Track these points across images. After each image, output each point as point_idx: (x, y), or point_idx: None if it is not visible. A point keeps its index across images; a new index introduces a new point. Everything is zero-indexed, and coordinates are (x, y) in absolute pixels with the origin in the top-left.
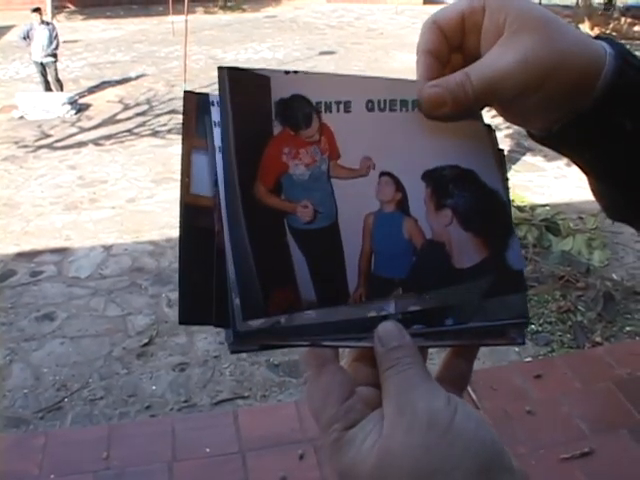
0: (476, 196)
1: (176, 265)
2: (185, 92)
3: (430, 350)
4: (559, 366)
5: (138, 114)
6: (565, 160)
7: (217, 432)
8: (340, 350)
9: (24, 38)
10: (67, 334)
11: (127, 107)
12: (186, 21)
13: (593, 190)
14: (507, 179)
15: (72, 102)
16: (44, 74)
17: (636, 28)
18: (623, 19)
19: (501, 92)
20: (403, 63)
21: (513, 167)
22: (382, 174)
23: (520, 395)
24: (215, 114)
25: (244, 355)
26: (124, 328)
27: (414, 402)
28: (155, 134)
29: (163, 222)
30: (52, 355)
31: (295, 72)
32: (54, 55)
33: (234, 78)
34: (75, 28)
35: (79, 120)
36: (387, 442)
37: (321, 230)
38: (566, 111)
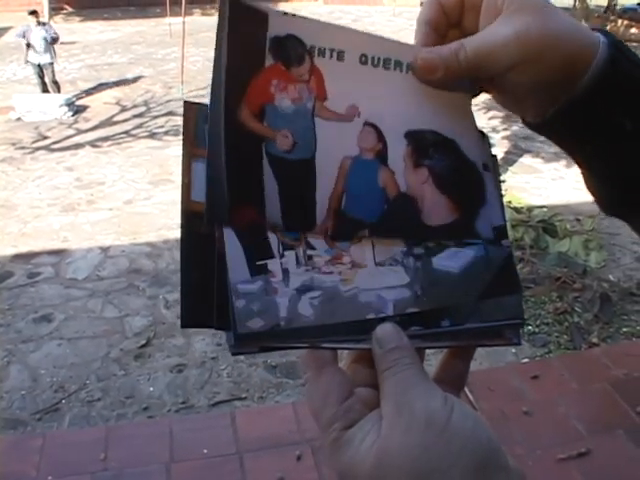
0: (454, 164)
1: (173, 266)
2: (185, 102)
3: (427, 351)
4: (556, 367)
5: (135, 116)
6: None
7: (214, 433)
8: (339, 352)
9: (23, 36)
10: (64, 335)
11: (124, 109)
12: (183, 23)
13: (587, 183)
14: (501, 181)
15: (69, 104)
16: (41, 76)
17: (633, 30)
18: (620, 21)
19: (493, 64)
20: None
21: (510, 169)
22: (366, 124)
23: (517, 396)
24: None
25: (241, 357)
26: (121, 329)
27: (412, 402)
28: (152, 136)
29: (160, 223)
30: (49, 357)
31: (293, 15)
32: (54, 46)
33: (234, 12)
34: (72, 30)
35: (76, 122)
36: (385, 442)
37: (297, 161)
38: (558, 96)
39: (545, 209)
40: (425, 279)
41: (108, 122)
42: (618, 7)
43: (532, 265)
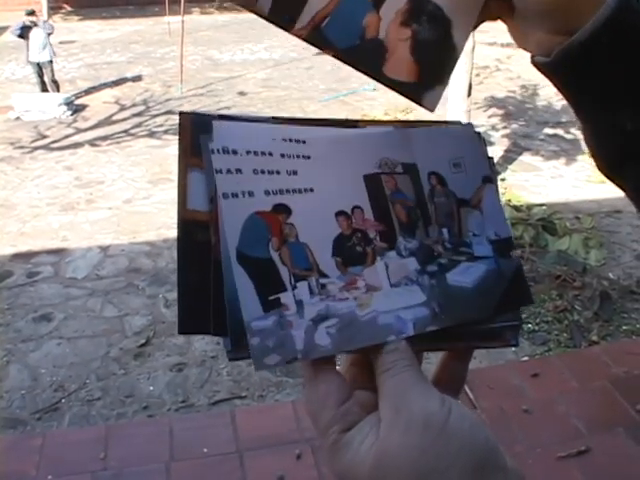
0: (438, 40)
1: (173, 266)
2: (180, 113)
3: (425, 353)
4: (556, 365)
5: (134, 115)
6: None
7: (214, 432)
8: (337, 355)
9: (20, 35)
10: (64, 335)
11: (123, 108)
12: (182, 22)
13: (587, 140)
14: (497, 175)
15: (68, 103)
16: (40, 75)
17: None
18: None
19: None
20: None
21: (510, 167)
22: None
23: (517, 394)
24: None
25: None
26: (121, 329)
27: (410, 404)
28: (151, 135)
29: (160, 222)
30: (49, 356)
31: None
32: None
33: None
34: (71, 29)
35: (75, 121)
36: (384, 444)
37: None
38: (564, 31)
39: (545, 207)
40: (441, 296)
41: (107, 121)
42: None
43: (532, 263)
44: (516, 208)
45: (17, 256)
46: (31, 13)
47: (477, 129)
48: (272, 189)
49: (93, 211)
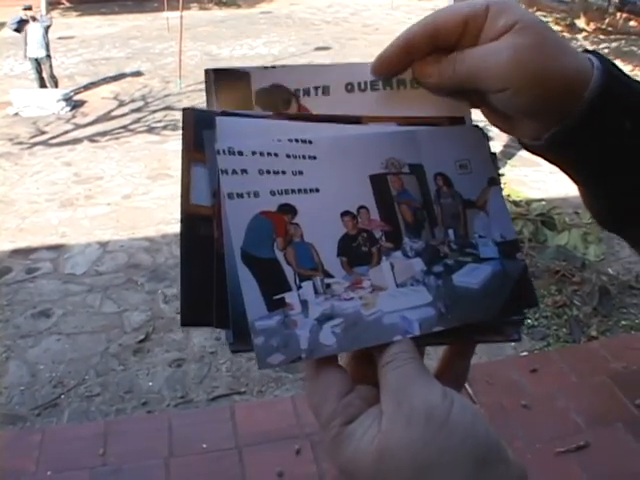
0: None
1: (172, 261)
2: (184, 109)
3: (428, 348)
4: (555, 360)
5: (133, 110)
6: None
7: (214, 428)
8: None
9: (16, 29)
10: (63, 331)
11: (122, 103)
12: (181, 17)
13: (584, 199)
14: (501, 174)
15: (67, 99)
16: (39, 70)
17: (632, 23)
18: (619, 14)
19: (486, 78)
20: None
21: (509, 162)
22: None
23: (516, 389)
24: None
25: None
26: (120, 324)
27: (411, 397)
28: (150, 130)
29: (159, 218)
30: (48, 352)
31: (273, 67)
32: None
33: (219, 77)
34: (70, 24)
35: (74, 117)
36: (386, 437)
37: None
38: (553, 119)
39: (544, 202)
40: (447, 296)
41: (106, 117)
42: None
43: (531, 259)
44: (515, 203)
45: (16, 252)
46: (28, 8)
47: (476, 123)
48: (277, 189)
49: (92, 207)
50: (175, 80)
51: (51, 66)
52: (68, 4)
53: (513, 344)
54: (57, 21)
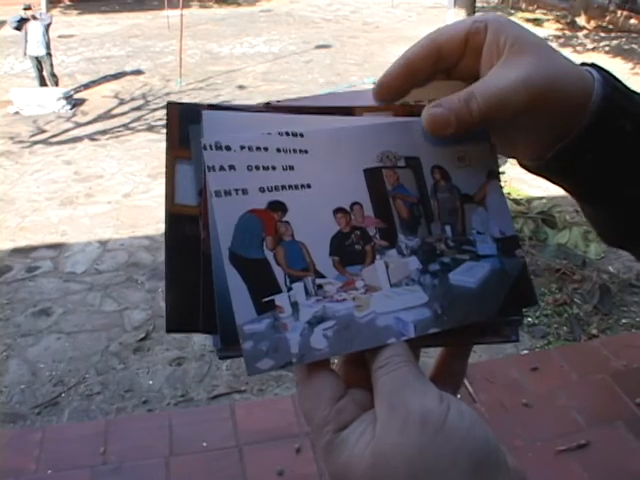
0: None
1: None
2: (168, 103)
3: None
4: (555, 358)
5: (133, 109)
6: None
7: (214, 426)
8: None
9: (16, 27)
10: (63, 329)
11: (122, 102)
12: (181, 15)
13: (587, 217)
14: (501, 172)
15: (67, 97)
16: (40, 69)
17: (632, 21)
18: (619, 12)
19: (504, 110)
20: (398, 57)
21: (509, 160)
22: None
23: (517, 388)
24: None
25: None
26: (120, 323)
27: (406, 401)
28: (151, 129)
29: (159, 217)
30: (49, 350)
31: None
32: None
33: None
34: (70, 23)
35: (74, 115)
36: (380, 443)
37: None
38: (555, 137)
39: (544, 200)
40: (444, 296)
41: (106, 115)
42: None
43: (531, 257)
44: (516, 201)
45: (16, 251)
46: (28, 8)
47: None
48: (267, 186)
49: (92, 205)
50: (175, 78)
51: (52, 64)
52: (68, 2)
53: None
54: (57, 19)
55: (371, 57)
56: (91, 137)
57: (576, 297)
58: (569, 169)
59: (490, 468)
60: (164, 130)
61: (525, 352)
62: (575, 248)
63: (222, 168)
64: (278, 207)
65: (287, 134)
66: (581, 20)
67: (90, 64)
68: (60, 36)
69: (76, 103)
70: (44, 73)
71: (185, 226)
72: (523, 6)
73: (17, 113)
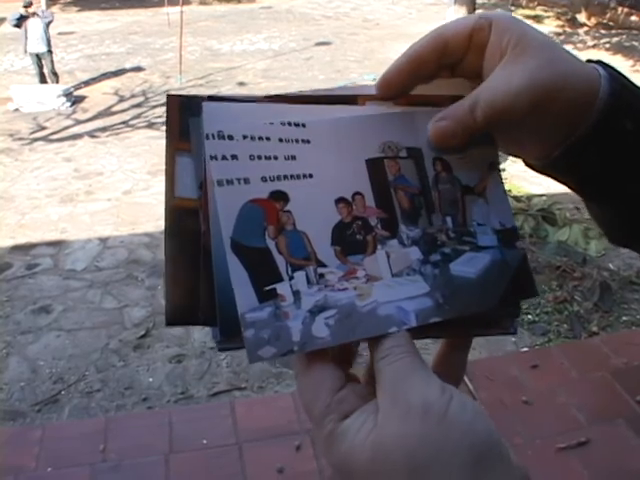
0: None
1: None
2: (168, 95)
3: (426, 340)
4: (556, 356)
5: (134, 106)
6: None
7: (214, 424)
8: None
9: (16, 25)
10: (63, 327)
11: (122, 99)
12: (181, 12)
13: (593, 216)
14: (501, 169)
15: (67, 94)
16: (40, 66)
17: (633, 18)
18: (620, 9)
19: (509, 114)
20: (398, 53)
21: (510, 157)
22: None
23: (517, 385)
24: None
25: None
26: (120, 320)
27: (408, 392)
28: (151, 126)
29: (159, 214)
30: (48, 348)
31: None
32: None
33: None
34: (70, 20)
35: (74, 112)
36: (381, 433)
37: None
38: (561, 136)
39: (545, 197)
40: (445, 286)
41: (106, 112)
42: None
43: (532, 254)
44: (516, 198)
45: (16, 248)
46: (28, 5)
47: None
48: (269, 175)
49: (92, 202)
50: (175, 75)
51: (52, 62)
52: None
53: (514, 339)
54: (57, 16)
55: (371, 54)
56: (91, 134)
57: (576, 294)
58: (575, 167)
59: (492, 461)
60: (164, 127)
61: (525, 349)
62: (575, 245)
63: (224, 157)
64: (280, 197)
65: (289, 124)
66: (581, 17)
67: (90, 61)
68: (60, 33)
69: (76, 100)
70: (44, 70)
71: (185, 219)
72: (524, 3)
73: (17, 110)
